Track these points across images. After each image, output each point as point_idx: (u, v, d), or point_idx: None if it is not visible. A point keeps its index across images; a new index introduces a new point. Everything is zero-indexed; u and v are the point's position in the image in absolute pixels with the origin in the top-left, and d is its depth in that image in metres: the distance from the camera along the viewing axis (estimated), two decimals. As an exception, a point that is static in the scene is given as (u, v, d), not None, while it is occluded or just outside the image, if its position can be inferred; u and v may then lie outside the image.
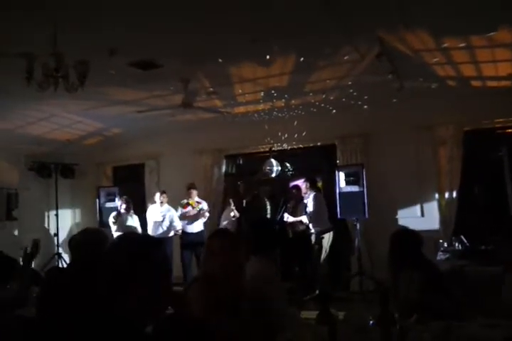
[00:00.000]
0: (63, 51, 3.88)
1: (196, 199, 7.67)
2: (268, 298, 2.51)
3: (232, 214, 7.45)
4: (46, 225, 9.71)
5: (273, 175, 7.53)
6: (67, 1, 3.51)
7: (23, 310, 3.23)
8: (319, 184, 7.64)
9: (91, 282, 1.82)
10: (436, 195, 6.87)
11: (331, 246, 6.70)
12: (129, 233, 3.54)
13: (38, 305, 2.88)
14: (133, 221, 7.75)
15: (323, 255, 6.63)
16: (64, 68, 3.95)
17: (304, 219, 6.83)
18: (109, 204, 8.56)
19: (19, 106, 6.34)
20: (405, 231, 3.24)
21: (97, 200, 8.72)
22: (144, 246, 1.55)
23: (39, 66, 3.96)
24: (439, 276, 2.88)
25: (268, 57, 4.83)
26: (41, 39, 3.80)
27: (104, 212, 8.51)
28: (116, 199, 8.35)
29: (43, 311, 2.75)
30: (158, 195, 7.78)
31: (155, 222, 7.68)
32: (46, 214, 9.68)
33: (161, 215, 7.67)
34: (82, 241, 2.99)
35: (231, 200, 7.61)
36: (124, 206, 7.65)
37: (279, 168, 7.55)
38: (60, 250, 8.96)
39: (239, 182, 7.88)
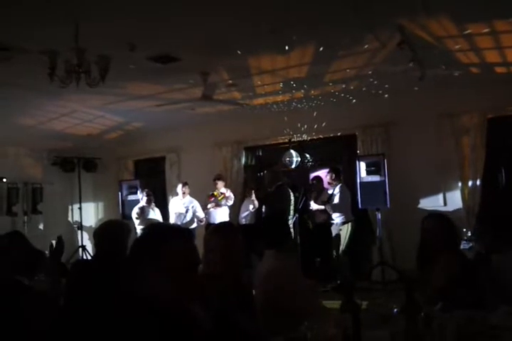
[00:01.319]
0: (84, 47, 3.93)
1: (222, 190, 7.69)
2: (284, 292, 2.51)
3: (251, 206, 7.46)
4: (70, 218, 9.90)
5: (293, 166, 7.51)
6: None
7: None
8: (339, 174, 7.59)
9: (115, 273, 1.85)
10: (460, 184, 6.76)
11: (353, 237, 6.67)
12: (156, 223, 3.58)
13: (65, 296, 2.96)
14: (155, 214, 7.82)
15: (342, 246, 6.61)
16: (86, 63, 4.00)
17: (328, 208, 6.81)
18: (131, 197, 8.70)
19: (41, 102, 6.45)
20: (440, 215, 3.10)
21: (119, 193, 8.86)
22: (171, 236, 1.57)
23: (61, 62, 4.02)
24: (467, 264, 2.83)
25: (287, 47, 4.80)
26: (63, 35, 3.85)
27: (126, 205, 8.66)
28: (138, 192, 8.45)
29: (70, 301, 2.82)
30: (180, 186, 7.82)
31: (179, 214, 7.72)
32: (70, 207, 9.87)
33: (183, 207, 7.72)
34: (105, 233, 3.04)
35: (251, 192, 7.61)
36: (145, 199, 7.71)
37: (299, 159, 7.52)
38: (85, 242, 9.14)
39: (264, 172, 7.83)
